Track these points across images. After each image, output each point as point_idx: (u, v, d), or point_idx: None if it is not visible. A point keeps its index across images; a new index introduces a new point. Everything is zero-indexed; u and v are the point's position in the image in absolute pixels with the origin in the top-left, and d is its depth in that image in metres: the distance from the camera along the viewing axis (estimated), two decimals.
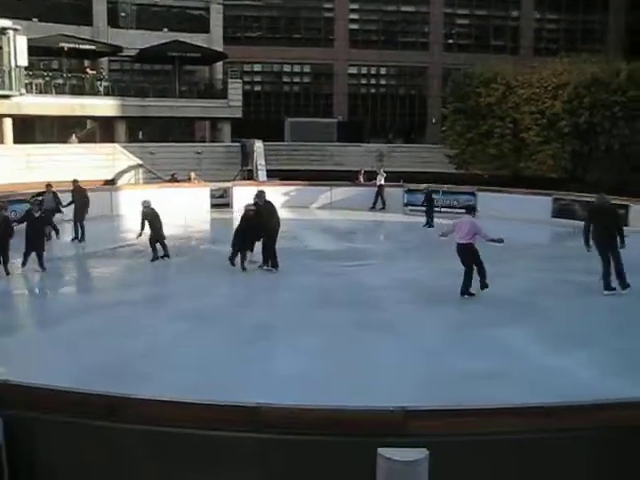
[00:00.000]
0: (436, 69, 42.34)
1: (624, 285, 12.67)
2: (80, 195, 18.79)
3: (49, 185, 18.49)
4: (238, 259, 14.63)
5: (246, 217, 14.85)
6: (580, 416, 4.41)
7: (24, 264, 14.17)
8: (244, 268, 14.58)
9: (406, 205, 25.82)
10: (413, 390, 7.79)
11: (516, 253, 16.15)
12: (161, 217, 15.95)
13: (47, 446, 4.57)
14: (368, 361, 9.16)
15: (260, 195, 15.01)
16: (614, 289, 12.67)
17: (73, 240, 18.20)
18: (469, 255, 12.52)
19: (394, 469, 4.10)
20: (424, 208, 22.53)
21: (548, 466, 4.37)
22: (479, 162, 30.37)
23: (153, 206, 16.01)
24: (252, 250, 15.01)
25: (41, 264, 14.23)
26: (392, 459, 4.09)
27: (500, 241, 12.63)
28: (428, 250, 17.87)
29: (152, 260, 15.58)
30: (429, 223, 21.87)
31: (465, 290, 12.51)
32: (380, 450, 4.14)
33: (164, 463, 4.44)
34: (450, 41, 43.27)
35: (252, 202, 15.00)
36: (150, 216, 15.79)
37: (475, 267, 12.51)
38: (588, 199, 22.61)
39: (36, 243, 14.18)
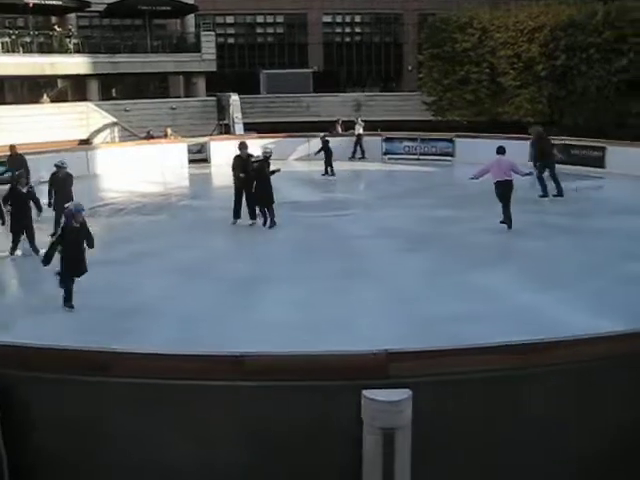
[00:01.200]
0: (411, 15, 41.79)
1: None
2: (18, 162, 16.66)
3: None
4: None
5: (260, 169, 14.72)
6: (552, 351, 4.55)
7: (14, 250, 12.56)
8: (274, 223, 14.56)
9: (385, 154, 25.80)
10: (395, 334, 7.95)
11: (494, 198, 16.26)
12: (72, 185, 13.87)
13: (39, 404, 4.64)
14: (351, 308, 9.31)
15: (244, 145, 15.11)
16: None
17: None
18: (510, 189, 13.86)
19: (379, 409, 4.23)
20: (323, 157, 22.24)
21: (528, 401, 4.52)
22: (456, 108, 30.26)
23: (68, 169, 13.93)
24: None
25: (33, 247, 12.57)
26: (376, 400, 4.22)
27: (530, 174, 15.14)
28: (407, 198, 17.99)
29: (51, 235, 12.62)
30: (328, 172, 21.82)
31: (511, 223, 13.70)
32: (364, 392, 4.27)
33: (153, 415, 4.54)
34: None
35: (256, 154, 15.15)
36: (56, 181, 13.77)
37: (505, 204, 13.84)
38: (566, 142, 22.86)
39: (24, 223, 12.49)
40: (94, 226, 15.26)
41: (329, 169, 21.85)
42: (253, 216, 14.78)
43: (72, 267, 9.61)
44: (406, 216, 15.48)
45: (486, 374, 4.47)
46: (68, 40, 31.11)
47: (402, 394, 4.23)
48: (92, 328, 8.54)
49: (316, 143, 25.96)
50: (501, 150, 14.36)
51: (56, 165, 13.83)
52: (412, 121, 30.30)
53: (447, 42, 30.10)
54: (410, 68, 40.90)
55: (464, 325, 8.39)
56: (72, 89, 34.12)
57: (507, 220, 13.75)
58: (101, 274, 11.28)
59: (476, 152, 22.29)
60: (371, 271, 11.16)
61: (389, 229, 14.22)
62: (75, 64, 30.71)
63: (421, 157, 25.02)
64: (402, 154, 25.50)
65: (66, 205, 10.20)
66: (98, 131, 28.93)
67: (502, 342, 4.59)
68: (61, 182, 13.70)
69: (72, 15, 33.55)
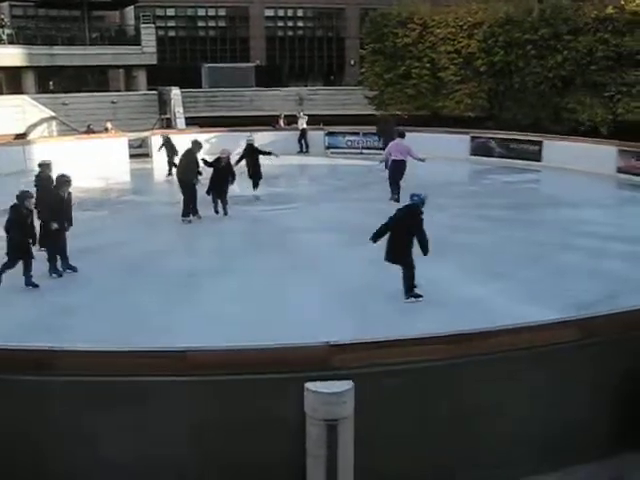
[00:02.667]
0: (353, 10, 41.97)
1: None
2: None
3: None
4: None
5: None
6: (486, 341, 4.70)
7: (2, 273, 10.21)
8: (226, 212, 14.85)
9: (327, 148, 25.91)
10: (338, 326, 8.02)
11: (436, 190, 16.46)
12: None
13: None
14: (294, 301, 9.36)
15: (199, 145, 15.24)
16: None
17: None
18: (404, 168, 16.04)
19: (321, 401, 4.30)
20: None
21: (464, 388, 4.65)
22: (398, 103, 30.53)
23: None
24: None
25: (27, 276, 10.20)
26: (318, 392, 4.28)
27: (423, 160, 16.21)
28: (351, 192, 18.14)
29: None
30: (171, 172, 20.26)
31: (398, 197, 15.35)
32: (307, 384, 4.32)
33: (94, 412, 4.49)
34: None
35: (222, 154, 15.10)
36: (41, 183, 11.65)
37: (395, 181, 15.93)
38: (503, 136, 23.40)
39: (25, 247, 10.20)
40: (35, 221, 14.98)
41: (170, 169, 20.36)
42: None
43: None
44: (349, 209, 15.61)
45: (426, 363, 4.59)
46: (1, 30, 30.13)
47: (344, 385, 4.31)
48: (30, 325, 8.38)
49: (261, 137, 25.89)
50: (401, 134, 17.02)
51: (41, 164, 11.87)
52: (354, 115, 30.46)
53: (388, 37, 30.31)
54: (352, 62, 41.10)
55: (407, 317, 8.54)
56: (6, 81, 33.08)
57: (396, 194, 15.66)
58: (39, 270, 11.05)
59: (417, 146, 22.50)
60: (315, 264, 11.23)
61: (332, 222, 14.32)
62: (9, 55, 29.77)
63: (364, 151, 25.21)
64: (345, 148, 25.65)
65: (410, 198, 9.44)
66: (35, 125, 28.15)
67: (440, 332, 4.72)
68: (46, 183, 11.54)
69: (5, 4, 32.55)
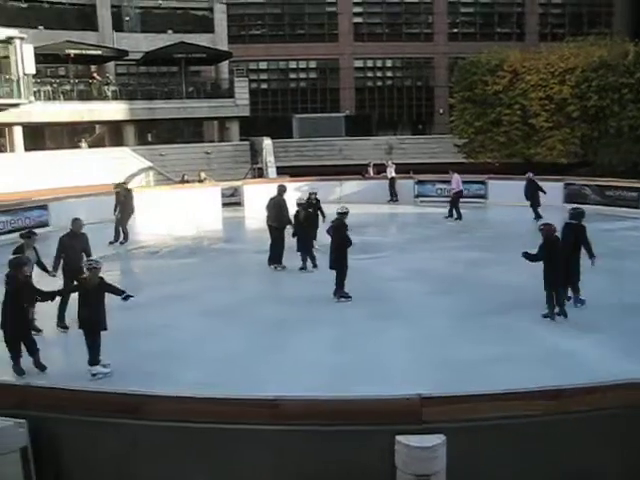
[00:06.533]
0: (442, 59, 42.26)
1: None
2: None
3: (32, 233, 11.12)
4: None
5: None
6: (587, 397, 4.46)
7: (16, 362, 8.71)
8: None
9: (417, 196, 25.83)
10: (428, 377, 7.86)
11: (527, 240, 16.09)
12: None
13: (71, 445, 4.67)
14: (384, 351, 9.24)
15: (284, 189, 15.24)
16: None
17: None
18: (461, 195, 21.54)
19: (412, 455, 4.18)
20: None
21: (562, 447, 4.42)
22: (488, 150, 30.32)
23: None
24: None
25: (37, 362, 8.83)
26: (410, 445, 4.17)
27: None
28: (440, 241, 17.92)
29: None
30: None
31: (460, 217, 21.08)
32: (398, 437, 4.21)
33: (184, 458, 4.53)
34: (455, 30, 43.16)
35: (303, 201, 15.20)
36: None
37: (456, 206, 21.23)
38: (599, 183, 22.69)
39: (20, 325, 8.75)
40: (128, 268, 15.54)
41: None
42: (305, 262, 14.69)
43: None
44: (438, 258, 15.40)
45: (522, 419, 4.39)
46: (106, 87, 32.05)
47: (436, 439, 4.17)
48: (122, 370, 8.60)
49: (350, 186, 26.16)
50: (454, 170, 22.07)
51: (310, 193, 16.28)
52: (444, 163, 30.38)
53: (478, 85, 30.32)
54: (441, 111, 41.17)
55: (497, 368, 8.27)
56: (109, 134, 34.98)
57: (459, 215, 20.95)
58: (132, 315, 11.37)
59: (509, 193, 22.20)
60: (404, 313, 11.09)
61: (421, 271, 14.16)
62: (113, 110, 31.57)
63: None
64: (434, 196, 25.47)
65: None
66: (134, 175, 29.46)
67: (536, 387, 4.52)
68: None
69: (110, 63, 34.61)
